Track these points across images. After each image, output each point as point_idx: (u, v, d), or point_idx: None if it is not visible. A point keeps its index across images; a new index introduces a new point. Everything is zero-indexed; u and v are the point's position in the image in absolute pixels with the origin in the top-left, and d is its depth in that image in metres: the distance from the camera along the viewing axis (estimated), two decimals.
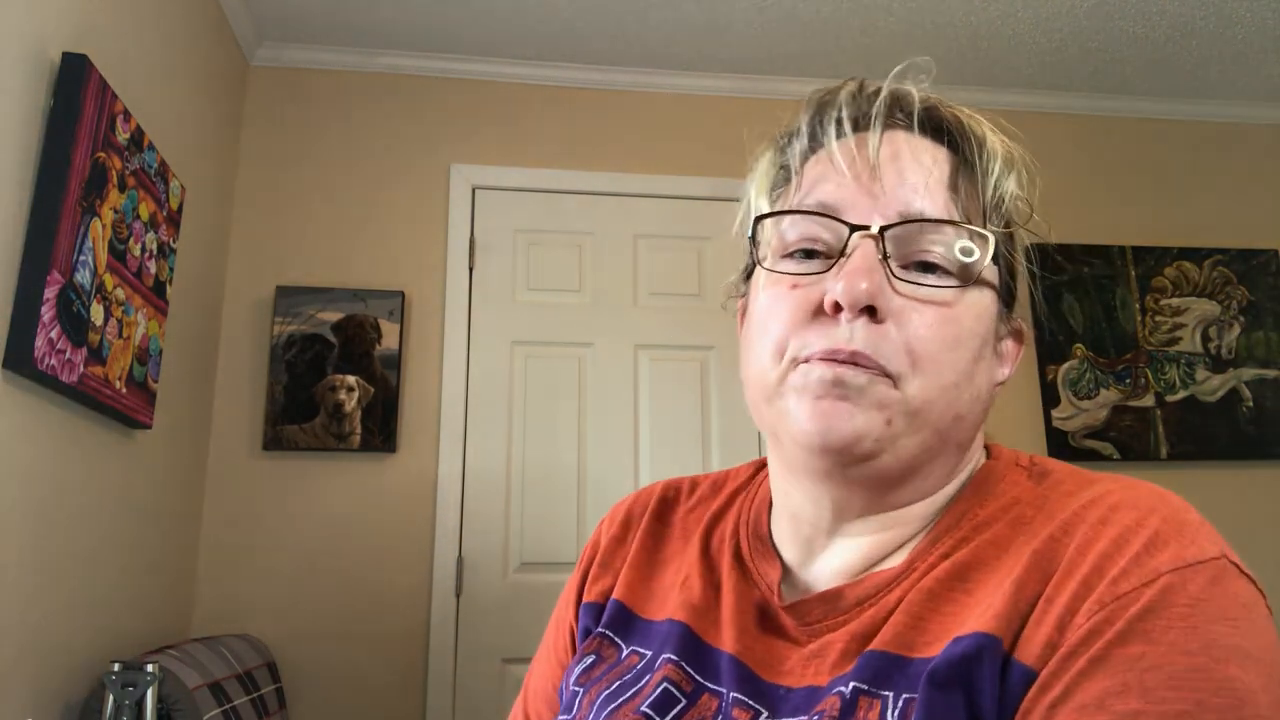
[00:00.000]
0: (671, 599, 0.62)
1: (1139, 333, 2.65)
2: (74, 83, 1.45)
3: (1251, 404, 2.62)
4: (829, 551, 0.58)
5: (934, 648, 0.48)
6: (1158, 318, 2.67)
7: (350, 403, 2.28)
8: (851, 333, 0.51)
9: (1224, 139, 2.89)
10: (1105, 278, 2.67)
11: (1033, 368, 2.61)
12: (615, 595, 0.66)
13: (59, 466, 1.49)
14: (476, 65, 2.59)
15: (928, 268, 0.53)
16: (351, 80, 2.55)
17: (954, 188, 0.54)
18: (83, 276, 1.47)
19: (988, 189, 0.55)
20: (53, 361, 1.38)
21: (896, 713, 0.47)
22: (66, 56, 1.46)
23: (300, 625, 2.18)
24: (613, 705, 0.57)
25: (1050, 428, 2.54)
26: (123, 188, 1.63)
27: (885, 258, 0.52)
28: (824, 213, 0.54)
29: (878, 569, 0.55)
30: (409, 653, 2.21)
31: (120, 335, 1.62)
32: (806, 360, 0.52)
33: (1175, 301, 2.69)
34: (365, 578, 2.23)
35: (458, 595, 2.26)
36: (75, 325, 1.45)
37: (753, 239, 0.59)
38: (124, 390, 1.64)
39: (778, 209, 0.58)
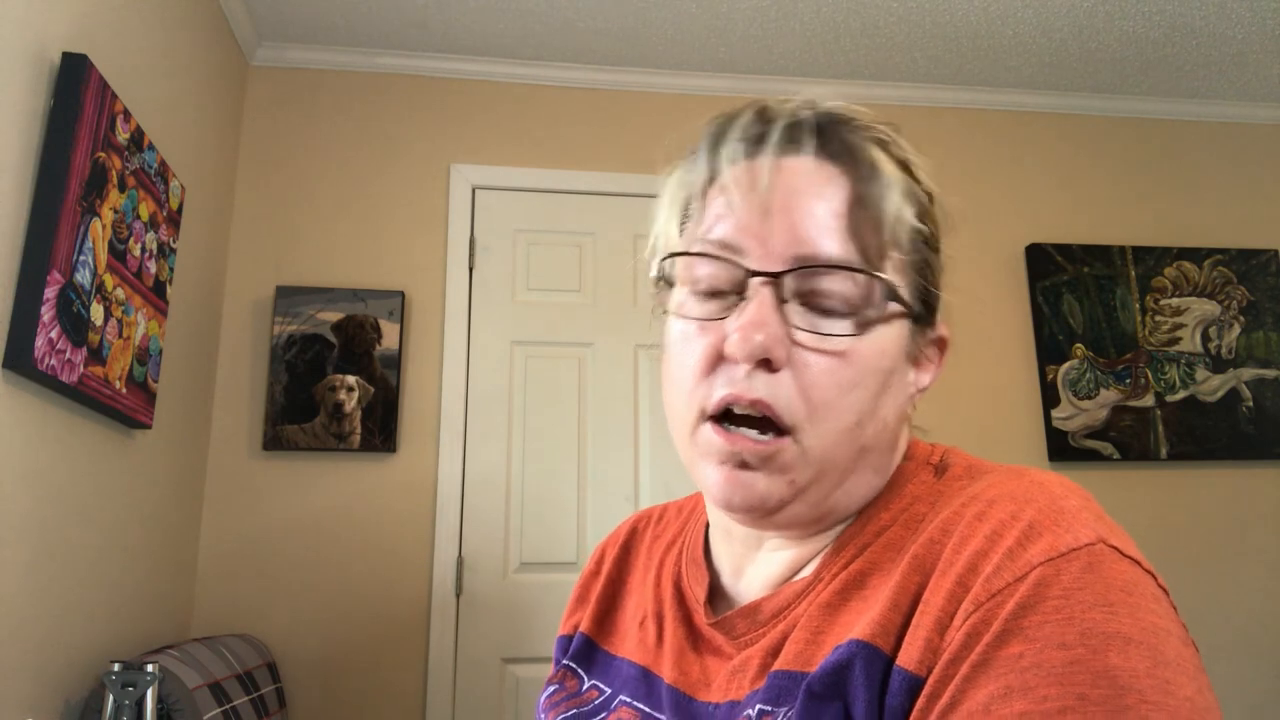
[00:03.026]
0: (631, 636, 0.65)
1: (1139, 333, 2.65)
2: (74, 83, 1.45)
3: (1251, 404, 2.62)
4: (756, 564, 0.59)
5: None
6: (1158, 318, 2.67)
7: (350, 403, 2.28)
8: (750, 382, 0.51)
9: (1224, 139, 2.89)
10: (1105, 278, 2.67)
11: (1033, 368, 2.61)
12: (582, 628, 0.69)
13: (59, 466, 1.50)
14: (476, 65, 2.59)
15: (826, 312, 0.52)
16: (351, 80, 2.55)
17: (852, 225, 0.52)
18: (83, 276, 1.47)
19: (885, 223, 0.53)
20: (53, 361, 1.38)
21: (755, 712, 0.48)
22: (66, 56, 1.46)
23: (300, 625, 2.18)
24: None
25: (1050, 428, 2.54)
26: (123, 188, 1.63)
27: (783, 302, 0.52)
28: (723, 255, 0.53)
29: (793, 580, 0.56)
30: (409, 653, 2.21)
31: (120, 335, 1.62)
32: (712, 412, 0.53)
33: (1175, 301, 2.69)
34: (365, 578, 2.23)
35: (458, 595, 2.26)
36: (75, 325, 1.45)
37: (660, 275, 0.59)
38: (124, 390, 1.64)
39: (682, 247, 0.57)
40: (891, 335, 0.54)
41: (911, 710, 0.43)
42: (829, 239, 0.52)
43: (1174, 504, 2.54)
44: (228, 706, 1.65)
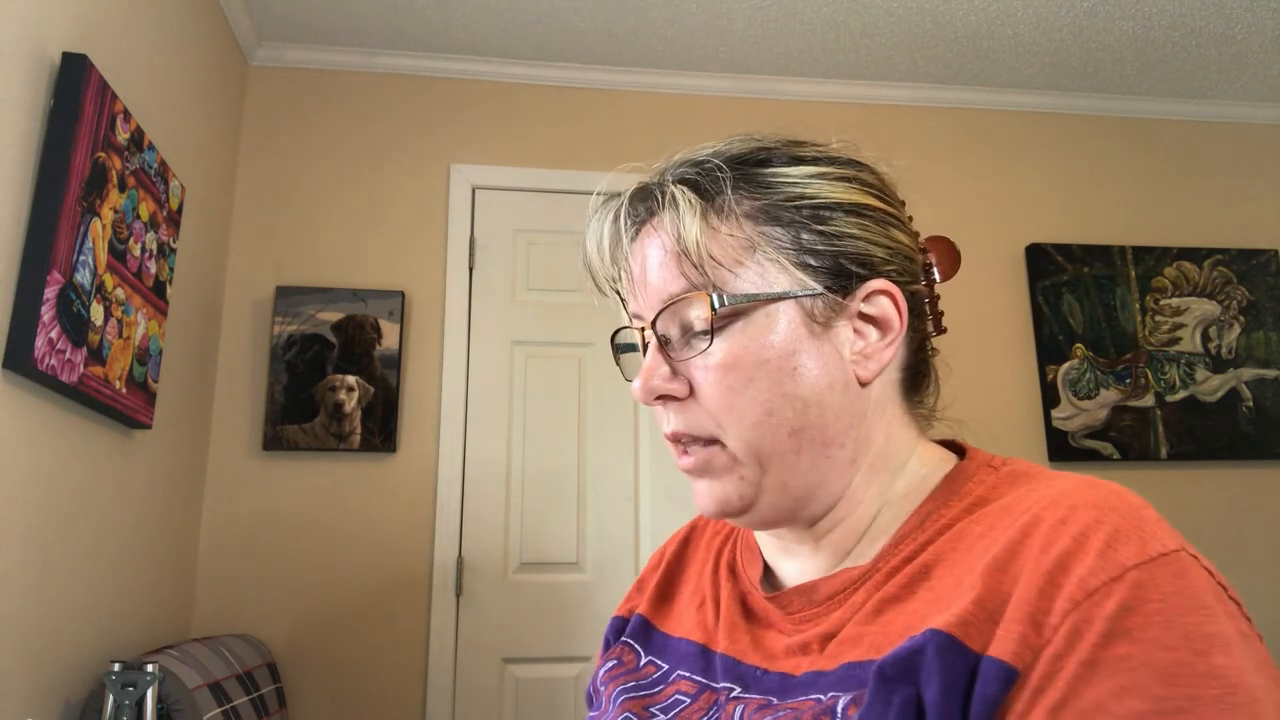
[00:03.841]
0: (689, 617, 0.69)
1: (1139, 333, 2.65)
2: (74, 83, 1.45)
3: (1251, 404, 2.62)
4: (800, 555, 0.63)
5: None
6: (1158, 318, 2.67)
7: (350, 403, 2.28)
8: (666, 416, 0.61)
9: (1224, 139, 2.89)
10: (1105, 278, 2.67)
11: (1033, 368, 2.61)
12: (640, 610, 0.73)
13: (59, 466, 1.49)
14: (476, 65, 2.59)
15: (700, 334, 0.59)
16: (351, 80, 2.55)
17: (675, 259, 0.59)
18: (83, 276, 1.47)
19: (690, 249, 0.58)
20: (53, 361, 1.38)
21: (843, 703, 0.49)
22: (66, 56, 1.46)
23: (300, 625, 2.18)
24: (626, 696, 0.64)
25: (1050, 428, 2.54)
26: (123, 188, 1.63)
27: (666, 344, 0.60)
28: (634, 326, 0.64)
29: (846, 565, 0.59)
30: (409, 653, 2.21)
31: (120, 335, 1.62)
32: (676, 443, 0.62)
33: (1175, 301, 2.69)
34: (365, 578, 2.23)
35: (458, 595, 2.26)
36: (75, 325, 1.45)
37: (615, 343, 0.69)
38: (124, 390, 1.64)
39: (622, 324, 0.68)
40: (769, 324, 0.58)
41: (1004, 700, 0.45)
42: (667, 279, 0.59)
43: (1174, 504, 2.54)
44: (228, 706, 1.65)
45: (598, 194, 0.66)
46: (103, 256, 1.55)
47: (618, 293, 0.66)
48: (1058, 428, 2.54)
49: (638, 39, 2.51)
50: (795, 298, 0.58)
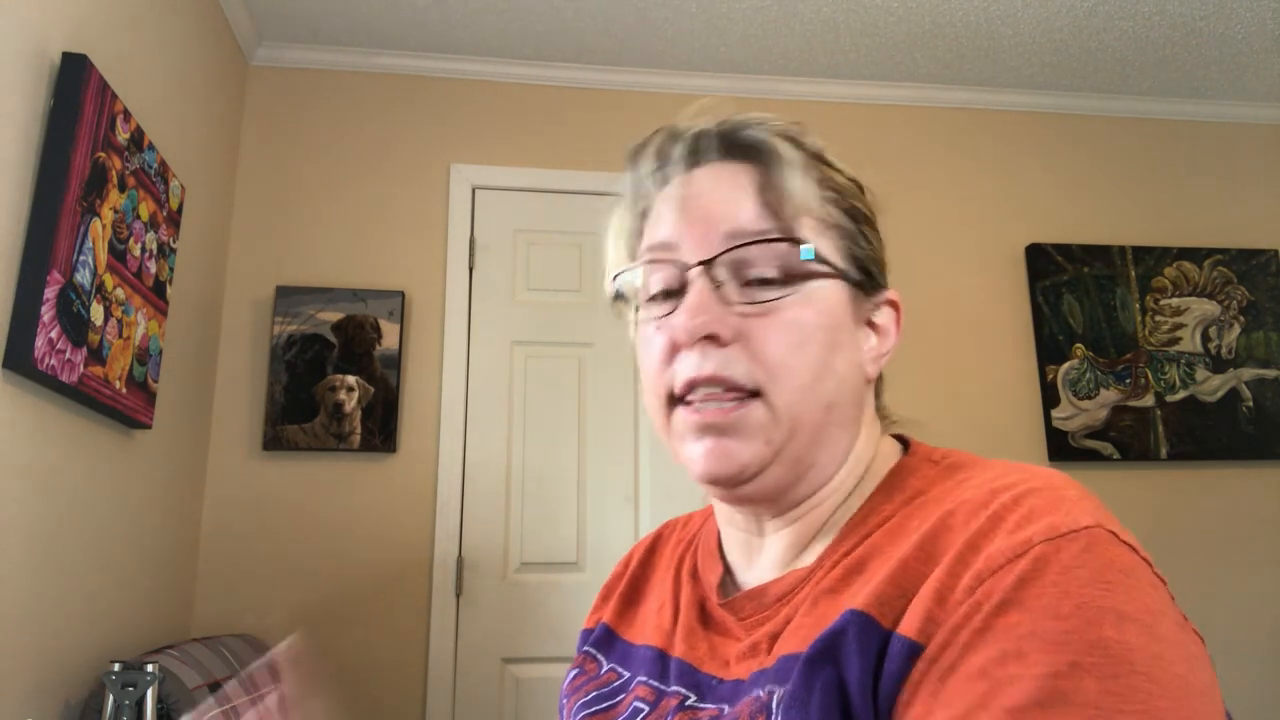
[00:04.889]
0: (650, 624, 0.69)
1: (1139, 333, 2.65)
2: (74, 83, 1.45)
3: (1251, 404, 2.62)
4: (763, 553, 0.63)
5: None
6: (1158, 318, 2.67)
7: (350, 403, 2.28)
8: (702, 359, 0.56)
9: (1224, 139, 2.89)
10: (1105, 278, 2.67)
11: (1033, 368, 2.61)
12: (605, 619, 0.73)
13: (59, 466, 1.49)
14: (476, 65, 2.59)
15: (764, 282, 0.57)
16: (351, 80, 2.55)
17: (764, 203, 0.58)
18: (83, 276, 1.47)
19: (793, 196, 0.58)
20: (53, 361, 1.38)
21: (778, 696, 0.50)
22: (66, 56, 1.46)
23: (300, 625, 2.18)
24: (587, 712, 0.64)
25: (1050, 428, 2.54)
26: (123, 188, 1.63)
27: (719, 286, 0.57)
28: (662, 258, 0.60)
29: (795, 565, 0.60)
30: (409, 653, 2.21)
31: (120, 335, 1.62)
32: (679, 395, 0.58)
33: (1175, 301, 2.69)
34: (365, 578, 2.23)
35: (458, 595, 2.26)
36: (75, 325, 1.45)
37: (618, 294, 0.65)
38: (124, 390, 1.64)
39: (626, 265, 0.64)
40: (828, 295, 0.58)
41: (908, 675, 0.45)
42: (746, 218, 0.58)
43: (1174, 504, 2.54)
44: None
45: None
46: (103, 256, 1.55)
47: (629, 235, 0.65)
48: (1058, 428, 2.54)
49: (638, 39, 2.51)
50: (852, 282, 0.60)
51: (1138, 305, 2.67)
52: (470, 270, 2.47)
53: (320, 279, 2.38)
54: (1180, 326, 2.67)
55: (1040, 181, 2.78)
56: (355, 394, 2.28)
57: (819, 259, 0.58)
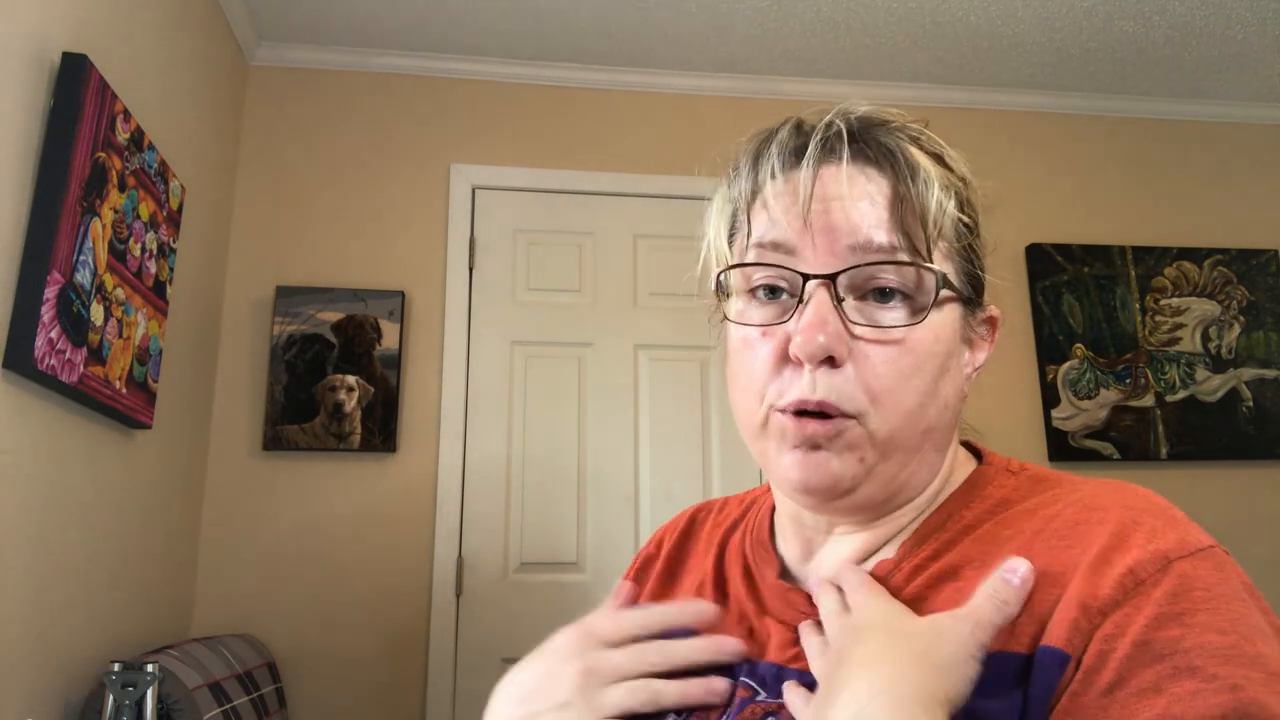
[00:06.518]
0: None
1: (1139, 333, 2.65)
2: (74, 83, 1.45)
3: (1251, 404, 2.62)
4: (825, 548, 0.62)
5: None
6: (1158, 318, 2.67)
7: (350, 403, 2.28)
8: (814, 383, 0.54)
9: (1224, 139, 2.89)
10: (1105, 278, 2.67)
11: (1033, 368, 2.61)
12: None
13: (59, 466, 1.49)
14: (476, 65, 2.59)
15: (883, 295, 0.55)
16: (351, 80, 2.55)
17: (896, 219, 0.55)
18: (83, 276, 1.47)
19: (929, 216, 0.56)
20: (53, 361, 1.38)
21: None
22: (66, 56, 1.46)
23: (300, 625, 2.18)
24: None
25: (1050, 428, 2.54)
26: (123, 188, 1.63)
27: (839, 300, 0.55)
28: (779, 264, 0.57)
29: (869, 563, 0.59)
30: (409, 653, 2.21)
31: (120, 335, 1.62)
32: (782, 410, 0.55)
33: (1175, 301, 2.69)
34: (365, 578, 2.23)
35: (458, 595, 2.26)
36: (75, 325, 1.45)
37: (718, 284, 0.62)
38: (124, 390, 1.64)
39: (733, 259, 0.60)
40: (945, 321, 0.57)
41: (1057, 684, 0.45)
42: (878, 234, 0.55)
43: (1174, 504, 2.54)
44: (228, 706, 1.64)
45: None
46: (103, 256, 1.55)
47: (733, 223, 0.61)
48: (1058, 428, 2.54)
49: (638, 39, 2.51)
50: (967, 303, 0.60)
51: (1138, 305, 2.67)
52: (470, 270, 2.47)
53: (320, 279, 2.38)
54: (1180, 326, 2.67)
55: (1040, 181, 2.78)
56: (355, 394, 2.28)
57: (946, 285, 0.56)
